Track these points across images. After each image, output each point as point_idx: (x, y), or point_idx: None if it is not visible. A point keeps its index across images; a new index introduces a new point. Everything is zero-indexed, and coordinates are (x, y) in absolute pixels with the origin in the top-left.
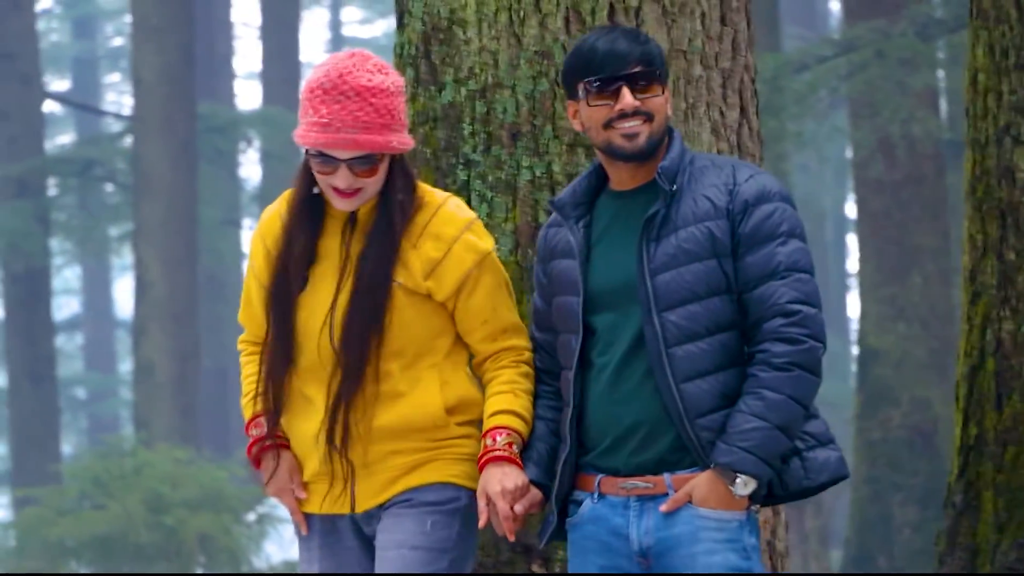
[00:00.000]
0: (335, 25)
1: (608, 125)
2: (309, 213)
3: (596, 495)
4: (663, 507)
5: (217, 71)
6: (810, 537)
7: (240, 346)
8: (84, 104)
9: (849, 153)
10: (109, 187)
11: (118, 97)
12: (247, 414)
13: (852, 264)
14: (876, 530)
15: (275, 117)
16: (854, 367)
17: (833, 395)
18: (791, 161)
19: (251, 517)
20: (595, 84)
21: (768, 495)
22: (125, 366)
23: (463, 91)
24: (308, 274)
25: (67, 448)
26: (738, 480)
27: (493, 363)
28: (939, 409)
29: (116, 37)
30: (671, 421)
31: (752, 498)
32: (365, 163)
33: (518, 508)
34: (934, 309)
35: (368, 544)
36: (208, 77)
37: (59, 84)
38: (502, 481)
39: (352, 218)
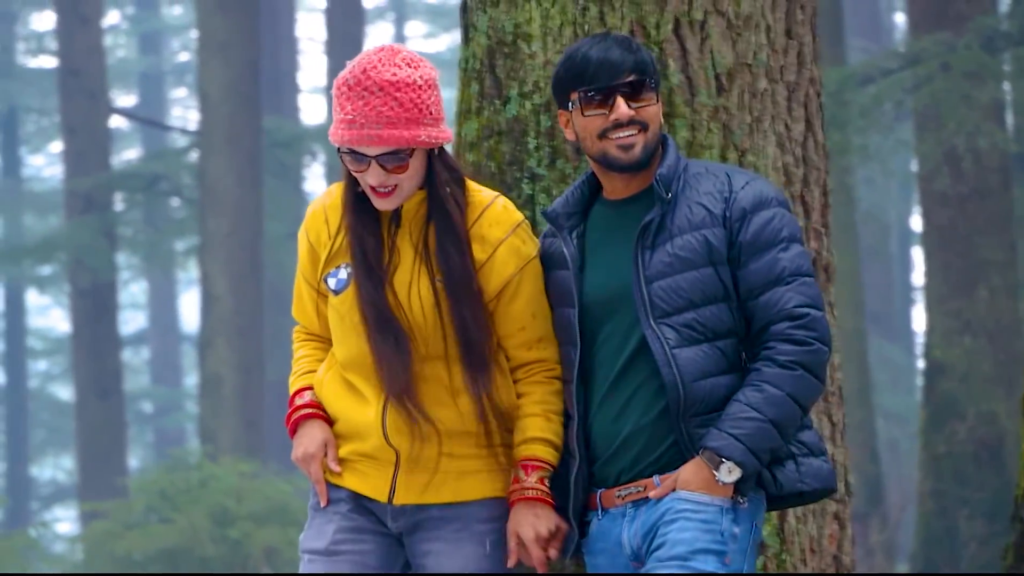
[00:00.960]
0: (399, 39)
1: (603, 135)
2: (365, 208)
3: (600, 511)
4: (652, 493)
5: (282, 86)
6: (876, 551)
7: (295, 334)
8: (150, 119)
9: (914, 166)
10: (175, 202)
11: (184, 112)
12: (292, 388)
13: (917, 277)
14: (942, 544)
15: None
16: (920, 380)
17: (899, 408)
18: (856, 174)
19: None
20: (589, 94)
21: (767, 498)
22: (191, 380)
23: (528, 105)
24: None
25: (133, 462)
26: (723, 466)
27: (525, 374)
28: (1005, 422)
29: (182, 52)
30: (670, 428)
31: (740, 491)
32: (395, 159)
33: (552, 553)
34: (1000, 322)
35: (388, 538)
36: (273, 92)
37: (125, 100)
38: (535, 526)
39: (396, 214)
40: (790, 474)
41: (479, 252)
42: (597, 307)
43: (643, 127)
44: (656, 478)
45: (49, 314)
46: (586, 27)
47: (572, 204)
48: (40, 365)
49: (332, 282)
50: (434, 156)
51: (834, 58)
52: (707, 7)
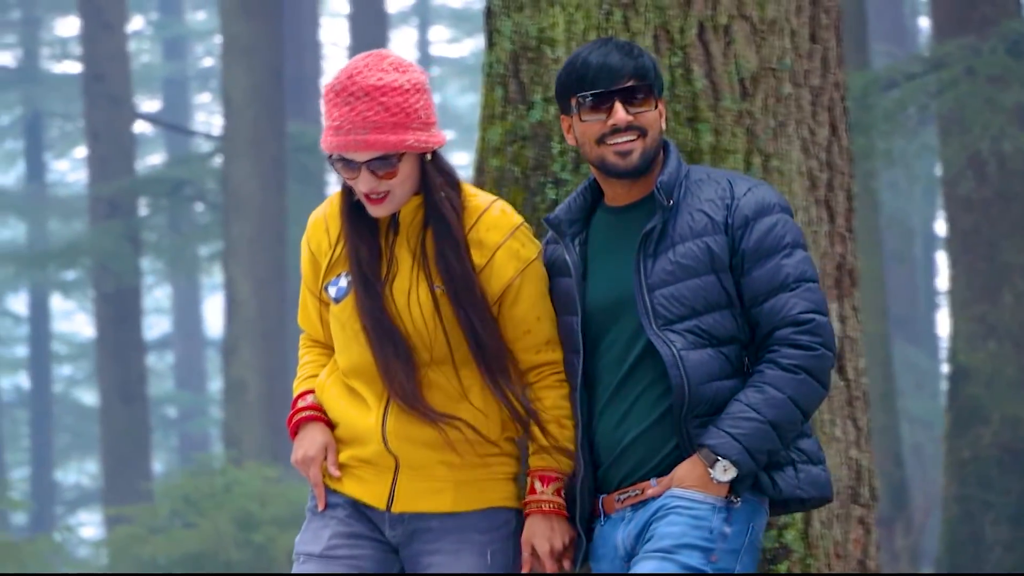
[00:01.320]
0: (423, 44)
1: (601, 141)
2: (361, 217)
3: (602, 517)
4: (649, 491)
5: (306, 91)
6: (901, 556)
7: (301, 341)
8: (174, 124)
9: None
10: (199, 207)
11: (208, 117)
12: (296, 391)
13: (941, 282)
14: (967, 549)
15: None
16: (944, 385)
17: (923, 413)
18: (880, 179)
19: None
20: (588, 99)
21: (770, 502)
22: (215, 385)
23: (552, 110)
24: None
25: (158, 467)
26: (718, 464)
27: (536, 378)
28: None
29: (206, 58)
30: (671, 432)
31: (734, 490)
32: (384, 164)
33: (567, 564)
34: None
35: (384, 547)
36: (297, 97)
37: (149, 105)
38: (551, 540)
39: (393, 221)
40: (789, 480)
41: (478, 257)
42: (600, 314)
43: (642, 133)
44: (653, 480)
45: (74, 319)
46: (610, 32)
47: (574, 211)
48: (65, 370)
49: (332, 291)
50: (427, 161)
51: (858, 62)
52: (731, 12)
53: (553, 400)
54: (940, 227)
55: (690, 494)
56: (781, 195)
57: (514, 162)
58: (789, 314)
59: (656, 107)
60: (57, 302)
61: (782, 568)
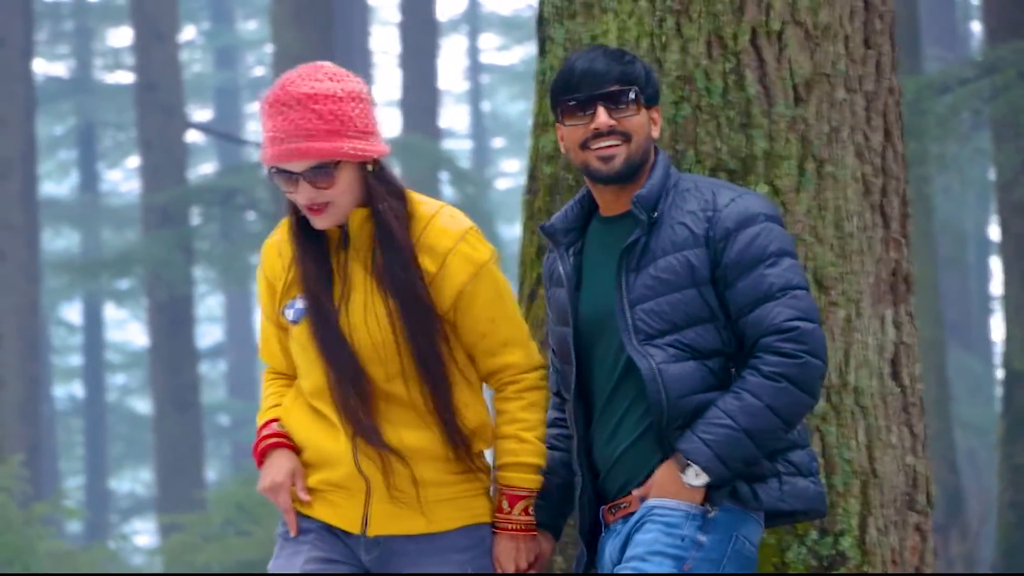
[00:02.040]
0: (473, 52)
1: (585, 146)
2: (309, 235)
3: (604, 528)
4: (634, 492)
5: None
6: (956, 563)
7: (264, 375)
8: (226, 133)
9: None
10: (251, 215)
11: (259, 126)
12: (260, 422)
13: (995, 287)
14: (1023, 554)
15: (414, 144)
16: (998, 391)
17: (978, 419)
18: (933, 183)
19: None
20: (571, 103)
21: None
22: None
23: None
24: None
25: (211, 475)
26: (689, 469)
27: (496, 386)
28: None
29: (257, 67)
30: (657, 446)
31: (712, 500)
32: (321, 173)
33: None
34: None
35: (359, 570)
36: None
37: (201, 114)
38: (516, 559)
39: (345, 237)
40: (771, 492)
41: (430, 264)
42: (589, 327)
43: (626, 138)
44: (636, 491)
45: (127, 328)
46: (663, 38)
47: (570, 219)
48: (118, 379)
49: (290, 313)
50: (368, 171)
51: (911, 67)
52: (785, 17)
53: (512, 413)
54: (994, 232)
55: (665, 502)
56: (769, 203)
57: (567, 169)
58: (773, 323)
59: (641, 112)
60: (111, 311)
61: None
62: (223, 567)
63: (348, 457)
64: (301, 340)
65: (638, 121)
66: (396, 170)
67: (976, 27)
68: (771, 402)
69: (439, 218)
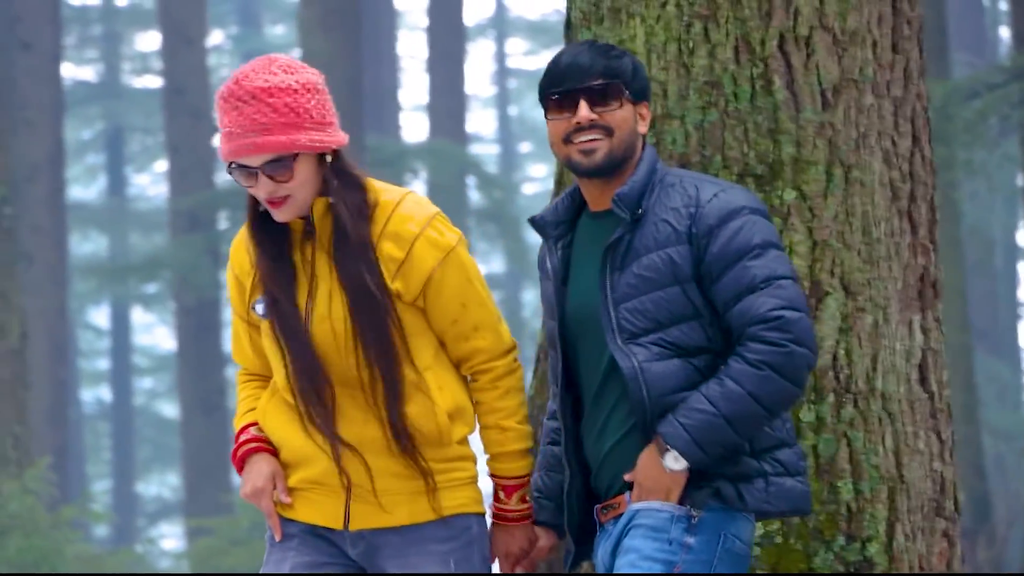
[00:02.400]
0: (500, 57)
1: (567, 140)
2: (268, 233)
3: (599, 527)
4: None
5: (384, 104)
6: (984, 568)
7: (237, 377)
8: None
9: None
10: None
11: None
12: (237, 427)
13: (1023, 292)
14: None
15: (442, 149)
16: None
17: (1005, 425)
18: (961, 189)
19: None
20: (554, 97)
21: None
22: None
23: None
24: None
25: (238, 478)
26: (668, 454)
27: (468, 372)
28: None
29: None
30: (643, 444)
31: (694, 502)
32: (279, 167)
33: (521, 568)
34: None
35: (349, 565)
36: (375, 110)
37: None
38: (508, 546)
39: (310, 229)
40: (757, 493)
41: (396, 251)
42: (575, 322)
43: (608, 132)
44: (627, 495)
45: (154, 332)
46: (690, 43)
47: (560, 212)
48: (146, 382)
49: (260, 308)
50: (325, 163)
51: (939, 72)
52: (813, 22)
53: (490, 404)
54: (1021, 237)
55: (650, 504)
56: (754, 196)
57: None
58: (757, 312)
59: (625, 107)
60: (138, 315)
61: None
62: (251, 570)
63: (326, 451)
64: (272, 335)
65: (621, 115)
66: (424, 174)
67: (1004, 32)
68: (753, 389)
69: (404, 205)
